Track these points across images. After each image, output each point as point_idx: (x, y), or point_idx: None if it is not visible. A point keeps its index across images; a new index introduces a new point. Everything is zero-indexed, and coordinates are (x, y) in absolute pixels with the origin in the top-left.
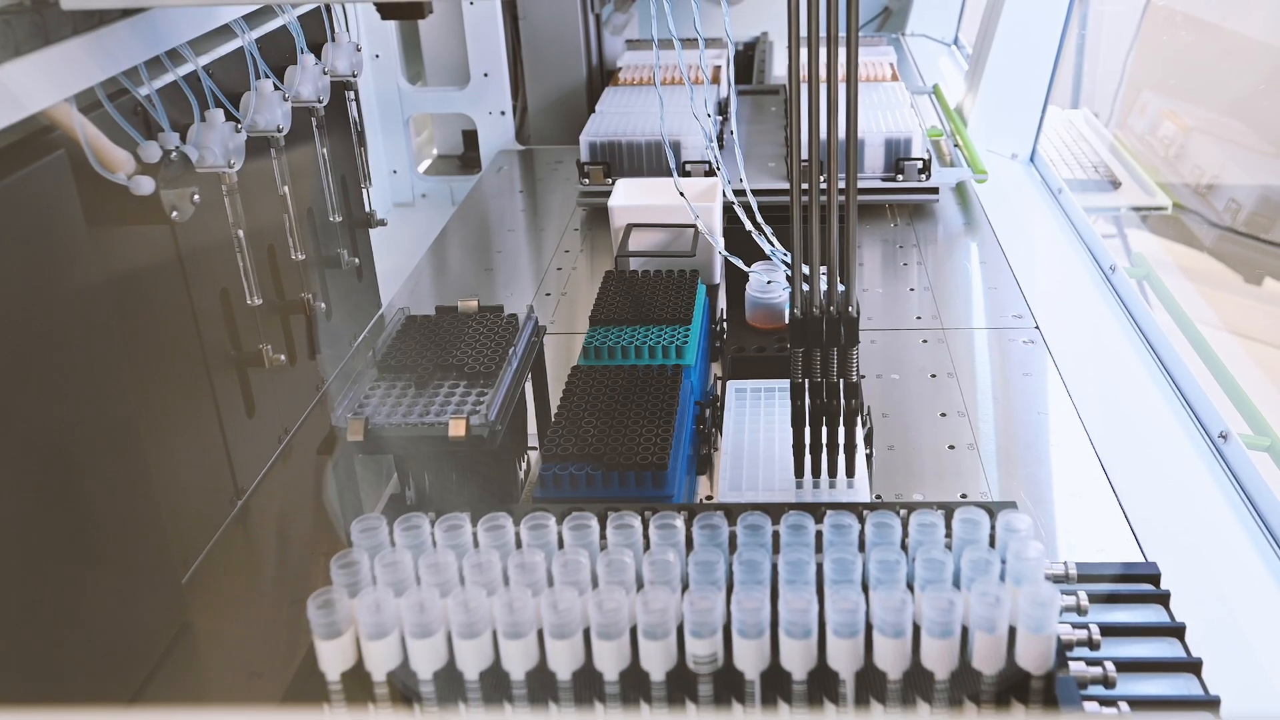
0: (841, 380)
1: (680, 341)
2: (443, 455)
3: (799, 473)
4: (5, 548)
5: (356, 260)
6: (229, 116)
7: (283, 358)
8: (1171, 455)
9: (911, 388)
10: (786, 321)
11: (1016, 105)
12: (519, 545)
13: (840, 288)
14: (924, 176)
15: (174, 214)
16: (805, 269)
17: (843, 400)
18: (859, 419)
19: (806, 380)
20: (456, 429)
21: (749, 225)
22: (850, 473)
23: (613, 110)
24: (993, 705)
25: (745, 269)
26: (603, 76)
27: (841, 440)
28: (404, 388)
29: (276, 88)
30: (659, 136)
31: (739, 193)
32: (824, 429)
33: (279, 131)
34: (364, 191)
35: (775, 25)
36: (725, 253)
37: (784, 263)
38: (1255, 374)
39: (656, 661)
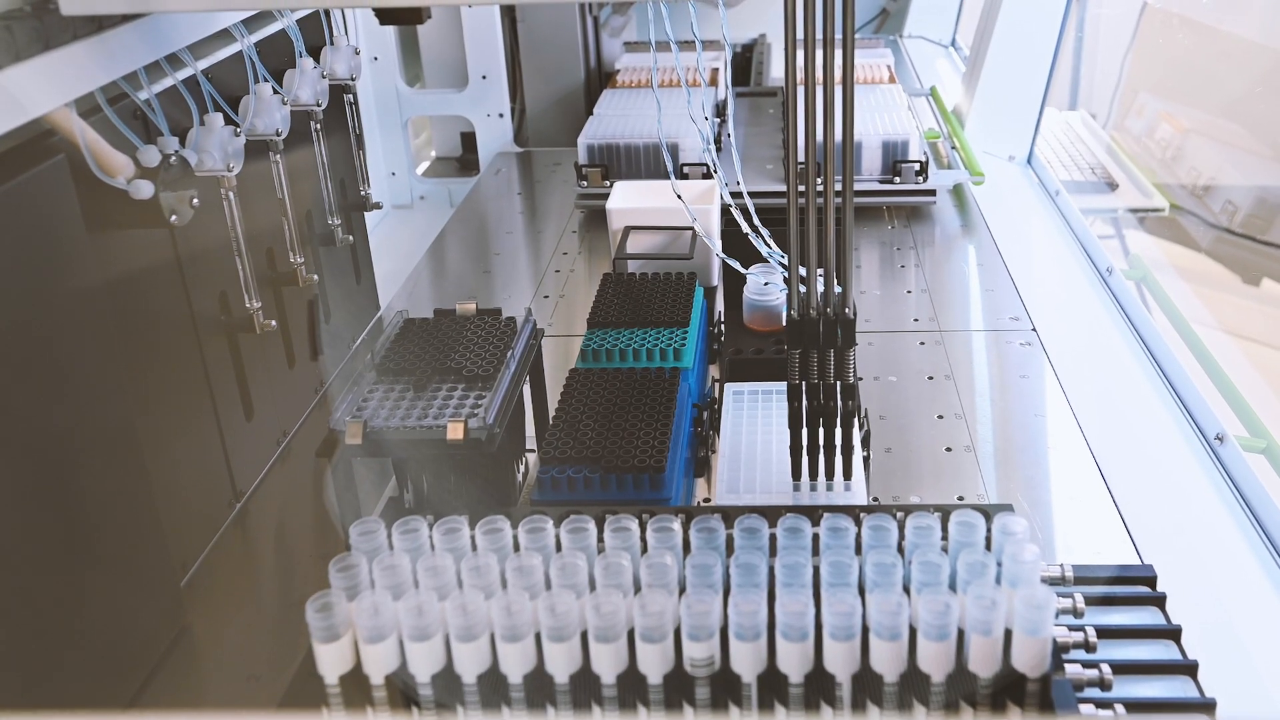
0: (838, 382)
1: (678, 344)
2: (441, 458)
3: (796, 475)
4: (4, 551)
5: (350, 238)
6: (228, 120)
7: (274, 323)
8: (1168, 457)
9: (909, 390)
10: (784, 324)
11: (1014, 107)
12: (517, 548)
13: (837, 289)
14: (921, 178)
15: (173, 218)
16: (802, 271)
17: (839, 402)
18: (856, 421)
19: (804, 382)
20: (455, 432)
21: (746, 228)
22: (847, 475)
23: (611, 113)
24: (989, 708)
25: (742, 271)
26: (601, 79)
27: (839, 442)
28: (402, 390)
29: (275, 91)
30: (657, 139)
31: (736, 195)
32: (821, 430)
33: (278, 135)
34: (363, 194)
35: (773, 27)
36: (722, 255)
37: (781, 265)
38: (1251, 376)
39: (654, 664)
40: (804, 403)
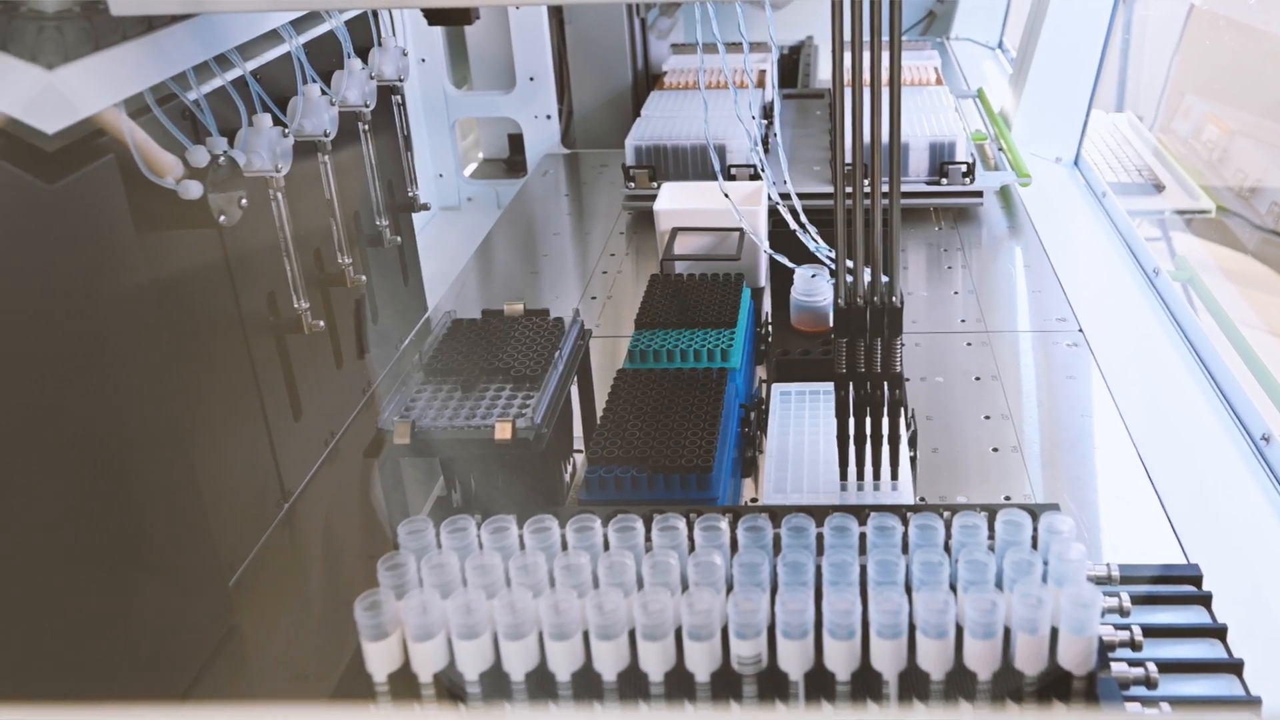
0: (885, 371)
1: (725, 345)
2: (489, 458)
3: (843, 463)
4: (54, 550)
5: (398, 239)
6: (276, 121)
7: (321, 324)
8: (1214, 457)
9: (955, 390)
10: (830, 325)
11: (1060, 109)
12: (564, 547)
13: (884, 279)
14: (968, 180)
15: (221, 218)
16: (849, 263)
17: (887, 391)
18: (903, 411)
19: (851, 371)
20: (503, 432)
21: (793, 224)
22: (894, 464)
23: (658, 114)
24: (1035, 705)
25: (790, 265)
26: (648, 80)
27: (885, 431)
28: (450, 390)
29: (323, 92)
30: (704, 140)
31: (784, 196)
32: (868, 420)
33: (326, 136)
34: (410, 195)
35: (820, 29)
36: (770, 250)
37: (829, 258)
38: None
39: (701, 662)
40: (851, 392)
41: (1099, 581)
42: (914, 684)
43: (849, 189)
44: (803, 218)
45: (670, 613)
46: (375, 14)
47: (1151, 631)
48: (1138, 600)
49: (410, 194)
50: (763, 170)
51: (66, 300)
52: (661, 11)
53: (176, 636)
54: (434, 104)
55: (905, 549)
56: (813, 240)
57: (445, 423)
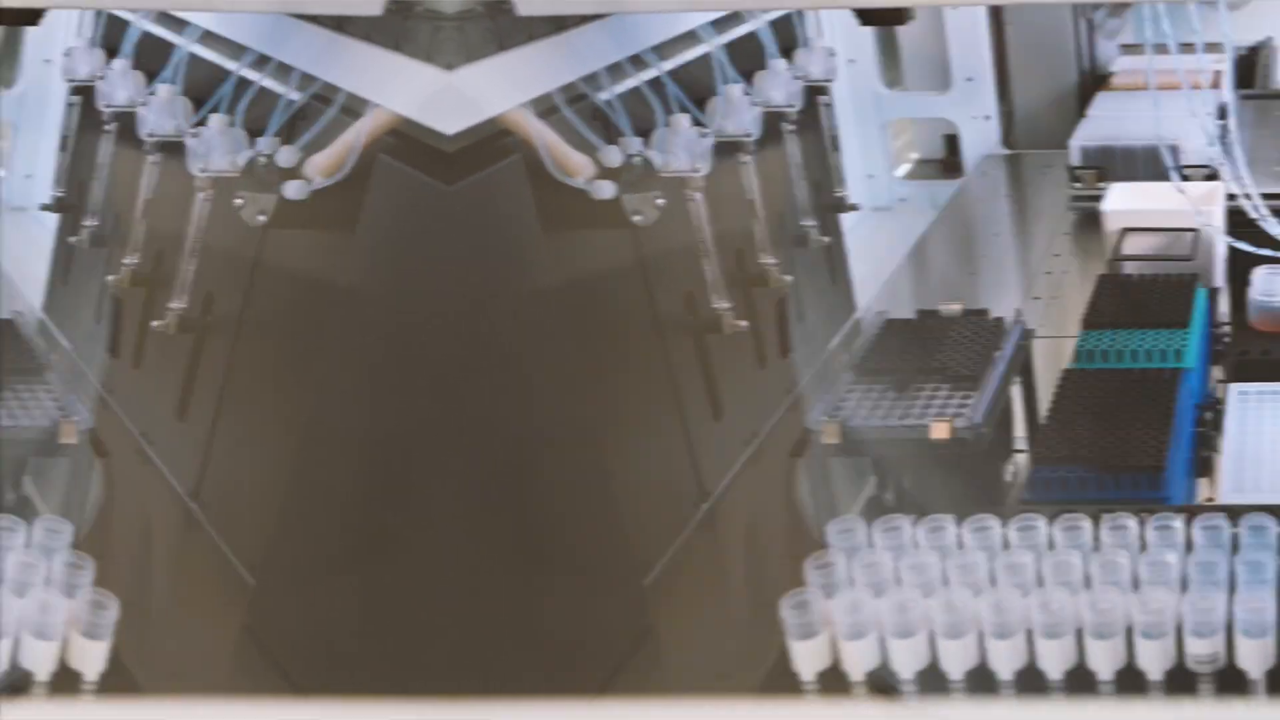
0: None
1: (1179, 345)
2: (925, 457)
3: None
4: (470, 549)
5: (826, 239)
6: (694, 121)
7: (744, 324)
8: None
9: None
10: None
11: None
12: (1005, 547)
13: None
14: None
15: (636, 218)
16: None
17: None
18: None
19: None
20: (939, 431)
21: (1254, 215)
22: None
23: (1105, 114)
24: None
25: (1256, 251)
26: (1094, 81)
27: None
28: (882, 390)
29: (745, 93)
30: (1154, 141)
31: (1245, 195)
32: None
33: (748, 137)
34: (838, 196)
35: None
36: (1230, 239)
37: None
38: None
39: (1154, 661)
40: None
41: None
42: None
43: None
44: (1263, 209)
45: (1120, 611)
46: (801, 14)
47: None
48: None
49: (838, 194)
50: (1223, 163)
51: (469, 300)
52: (1110, 12)
53: (590, 635)
54: (864, 104)
55: None
56: (1277, 226)
57: (878, 422)
